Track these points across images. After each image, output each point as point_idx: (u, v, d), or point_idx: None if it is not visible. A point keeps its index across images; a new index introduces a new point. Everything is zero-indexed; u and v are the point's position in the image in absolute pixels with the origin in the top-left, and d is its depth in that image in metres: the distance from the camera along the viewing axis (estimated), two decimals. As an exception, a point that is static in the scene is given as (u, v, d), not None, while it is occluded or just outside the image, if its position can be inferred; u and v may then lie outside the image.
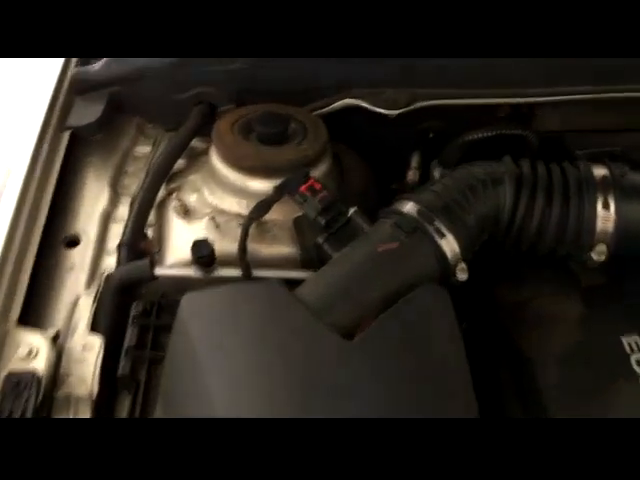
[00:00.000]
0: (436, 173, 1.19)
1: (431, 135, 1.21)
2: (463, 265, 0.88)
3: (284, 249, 0.97)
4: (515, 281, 1.00)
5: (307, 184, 0.94)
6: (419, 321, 0.80)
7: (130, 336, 0.89)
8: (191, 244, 0.92)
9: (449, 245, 0.87)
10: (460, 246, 0.88)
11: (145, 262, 0.94)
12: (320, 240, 0.92)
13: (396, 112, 1.12)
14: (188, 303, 0.79)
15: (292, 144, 1.03)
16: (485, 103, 1.15)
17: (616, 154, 1.05)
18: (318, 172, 1.02)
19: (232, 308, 0.79)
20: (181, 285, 0.91)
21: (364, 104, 1.12)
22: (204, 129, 1.10)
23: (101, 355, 0.84)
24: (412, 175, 1.16)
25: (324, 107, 1.14)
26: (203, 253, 0.91)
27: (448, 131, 1.17)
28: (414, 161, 1.18)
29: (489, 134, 1.10)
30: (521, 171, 0.93)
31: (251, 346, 0.75)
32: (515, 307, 0.96)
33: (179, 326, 0.79)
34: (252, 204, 0.97)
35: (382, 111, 1.12)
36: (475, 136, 1.11)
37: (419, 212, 0.88)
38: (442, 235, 0.87)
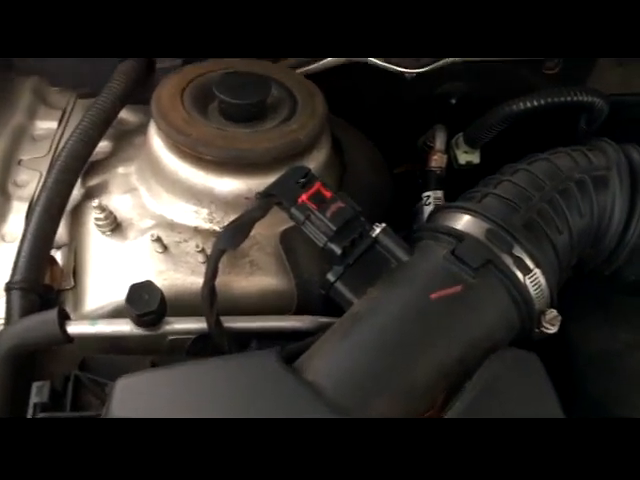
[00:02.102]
0: (459, 154, 0.89)
1: (453, 101, 0.91)
2: (554, 313, 0.61)
3: (268, 281, 0.68)
4: (597, 317, 0.71)
5: (311, 190, 0.61)
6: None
7: (30, 441, 0.57)
8: (125, 288, 0.60)
9: (536, 284, 0.59)
10: (549, 284, 0.60)
11: (52, 314, 0.62)
12: (332, 277, 0.61)
13: (417, 71, 0.80)
14: (124, 392, 0.54)
15: (274, 122, 0.72)
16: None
17: None
18: (313, 164, 0.70)
19: (199, 402, 0.53)
20: (111, 346, 0.66)
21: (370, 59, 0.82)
22: (138, 94, 0.82)
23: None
24: (438, 160, 0.85)
25: (312, 64, 0.84)
26: (148, 308, 0.57)
27: (475, 96, 0.91)
28: (438, 139, 0.87)
29: (549, 101, 0.78)
30: (631, 163, 0.63)
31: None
32: (607, 358, 0.68)
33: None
34: (217, 213, 0.71)
35: (397, 69, 0.81)
36: (529, 104, 0.78)
37: (489, 234, 0.59)
38: (527, 270, 0.59)
